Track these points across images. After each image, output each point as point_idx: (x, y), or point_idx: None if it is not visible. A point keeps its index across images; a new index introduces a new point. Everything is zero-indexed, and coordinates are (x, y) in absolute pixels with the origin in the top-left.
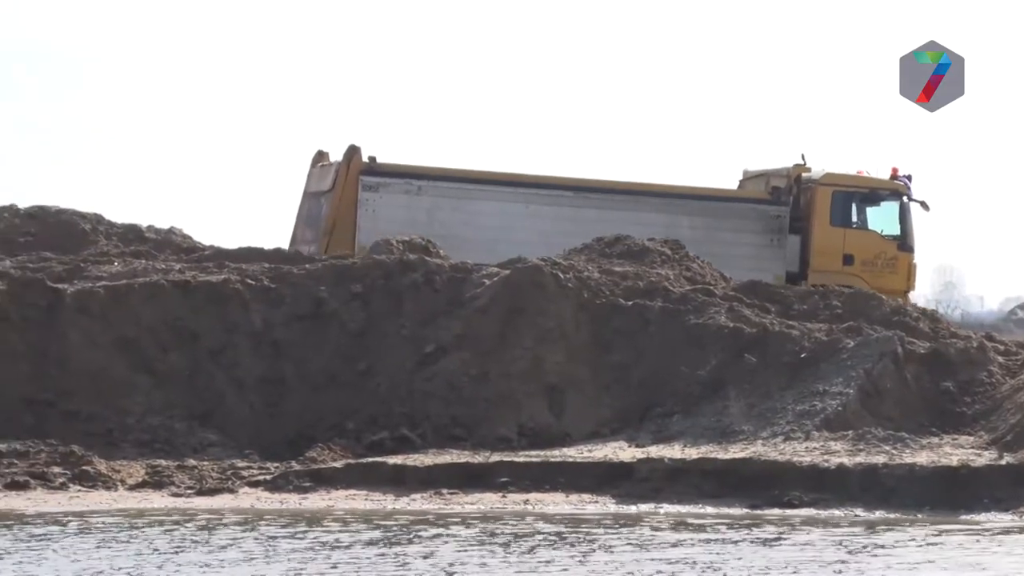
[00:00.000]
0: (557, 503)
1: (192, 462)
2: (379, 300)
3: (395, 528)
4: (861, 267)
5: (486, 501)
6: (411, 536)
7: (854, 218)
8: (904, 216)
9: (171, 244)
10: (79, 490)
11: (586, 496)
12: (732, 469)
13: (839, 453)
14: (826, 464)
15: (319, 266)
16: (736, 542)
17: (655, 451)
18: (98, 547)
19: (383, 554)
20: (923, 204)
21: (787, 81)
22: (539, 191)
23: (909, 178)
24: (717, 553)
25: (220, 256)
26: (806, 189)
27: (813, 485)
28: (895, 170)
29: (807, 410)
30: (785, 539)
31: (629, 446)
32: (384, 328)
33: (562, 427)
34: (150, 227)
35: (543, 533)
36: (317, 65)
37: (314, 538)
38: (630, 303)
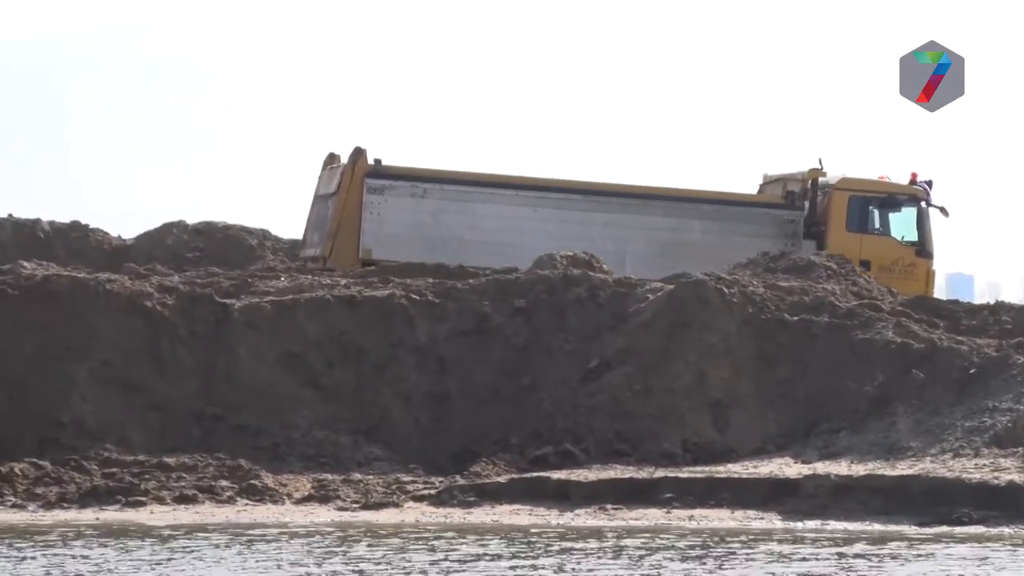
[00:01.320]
0: (722, 519)
1: (358, 476)
2: (543, 315)
3: (537, 542)
4: (878, 273)
5: (650, 517)
6: (547, 549)
7: (872, 223)
8: (922, 222)
9: None
10: (246, 504)
11: (751, 512)
12: (900, 486)
13: (1009, 470)
14: (996, 481)
15: (483, 281)
16: (873, 556)
17: (821, 467)
18: (242, 559)
19: (514, 567)
20: (942, 210)
21: (811, 84)
22: (547, 194)
23: (930, 184)
24: (847, 569)
25: (385, 271)
26: (824, 194)
27: (982, 502)
28: (914, 175)
29: (976, 426)
30: (927, 554)
31: (795, 462)
32: (548, 343)
33: (726, 442)
34: None
35: (680, 548)
36: (335, 70)
37: (448, 551)
38: (795, 318)
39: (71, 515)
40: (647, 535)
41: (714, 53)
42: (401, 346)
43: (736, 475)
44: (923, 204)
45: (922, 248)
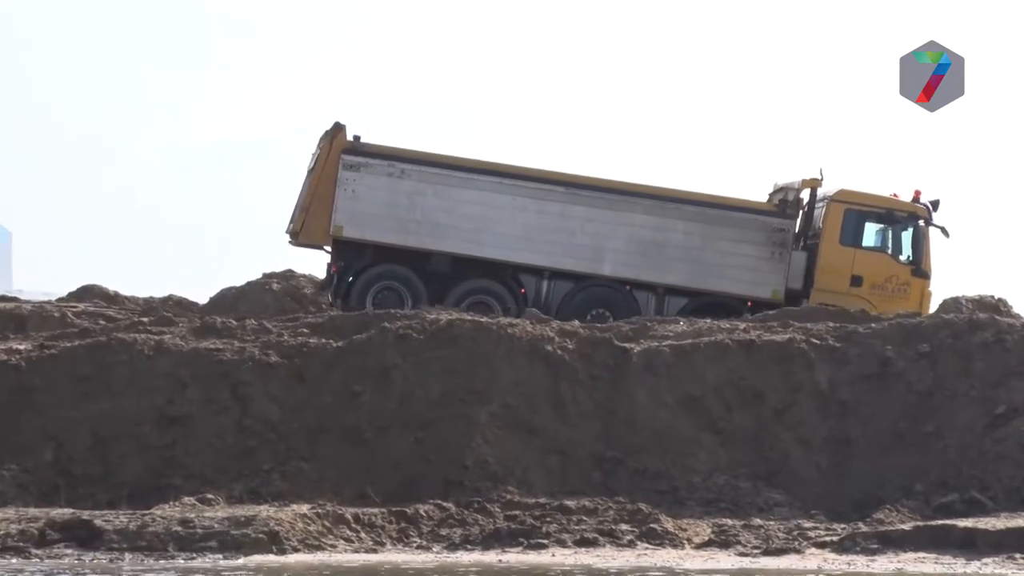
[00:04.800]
0: None
1: (758, 522)
2: (947, 360)
3: None
4: (870, 290)
5: None
6: None
7: (867, 238)
8: (919, 240)
9: None
10: (646, 548)
11: None
12: None
13: None
14: None
15: (885, 325)
16: None
17: None
18: None
19: None
20: (943, 230)
21: (840, 92)
22: (527, 184)
23: (935, 204)
24: None
25: (785, 315)
26: (823, 205)
27: None
28: (918, 193)
29: None
30: None
31: None
32: (952, 388)
33: None
34: None
35: None
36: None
37: None
38: None
39: (474, 557)
40: None
41: (735, 59)
42: (801, 390)
43: None
44: (922, 223)
45: (918, 268)
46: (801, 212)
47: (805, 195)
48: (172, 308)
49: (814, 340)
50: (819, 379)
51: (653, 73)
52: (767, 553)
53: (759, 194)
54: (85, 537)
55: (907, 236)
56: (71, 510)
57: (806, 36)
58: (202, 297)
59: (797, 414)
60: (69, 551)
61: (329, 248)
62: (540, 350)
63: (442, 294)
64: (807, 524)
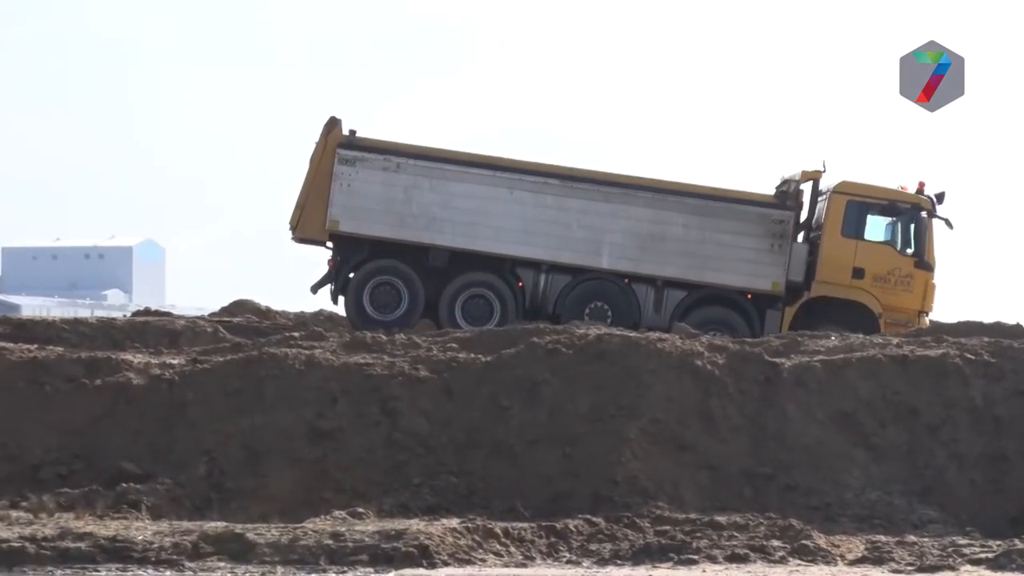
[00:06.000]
0: None
1: (912, 538)
2: None
3: None
4: (872, 282)
5: None
6: None
7: (869, 230)
8: (922, 232)
9: None
10: (798, 564)
11: None
12: None
13: None
14: None
15: None
16: None
17: None
18: None
19: None
20: (947, 222)
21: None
22: (524, 177)
23: (940, 196)
24: None
25: (938, 330)
26: (825, 197)
27: None
28: (921, 184)
29: None
30: None
31: None
32: None
33: None
34: None
35: None
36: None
37: None
38: None
39: (624, 572)
40: None
41: (738, 57)
42: (955, 406)
43: None
44: (925, 214)
45: (921, 260)
46: (803, 204)
47: (806, 187)
48: (323, 323)
49: (968, 355)
50: (974, 395)
51: (659, 69)
52: (921, 570)
53: (766, 188)
54: (237, 550)
55: (910, 228)
56: (224, 523)
57: (807, 35)
58: None
59: (951, 430)
60: (222, 564)
61: (330, 244)
62: (690, 365)
63: (439, 288)
64: (962, 541)
